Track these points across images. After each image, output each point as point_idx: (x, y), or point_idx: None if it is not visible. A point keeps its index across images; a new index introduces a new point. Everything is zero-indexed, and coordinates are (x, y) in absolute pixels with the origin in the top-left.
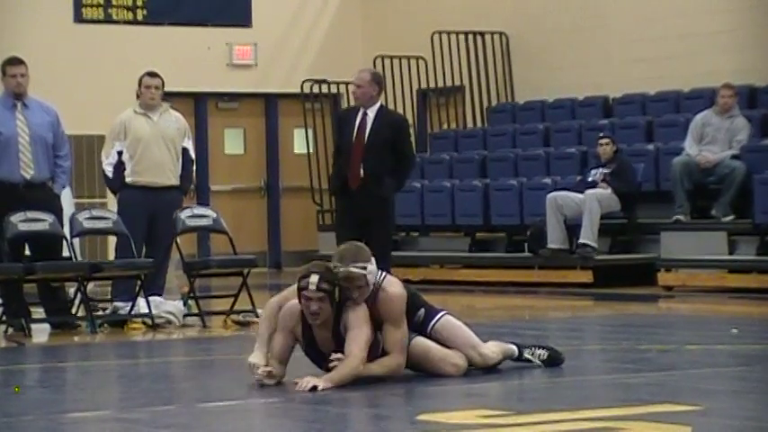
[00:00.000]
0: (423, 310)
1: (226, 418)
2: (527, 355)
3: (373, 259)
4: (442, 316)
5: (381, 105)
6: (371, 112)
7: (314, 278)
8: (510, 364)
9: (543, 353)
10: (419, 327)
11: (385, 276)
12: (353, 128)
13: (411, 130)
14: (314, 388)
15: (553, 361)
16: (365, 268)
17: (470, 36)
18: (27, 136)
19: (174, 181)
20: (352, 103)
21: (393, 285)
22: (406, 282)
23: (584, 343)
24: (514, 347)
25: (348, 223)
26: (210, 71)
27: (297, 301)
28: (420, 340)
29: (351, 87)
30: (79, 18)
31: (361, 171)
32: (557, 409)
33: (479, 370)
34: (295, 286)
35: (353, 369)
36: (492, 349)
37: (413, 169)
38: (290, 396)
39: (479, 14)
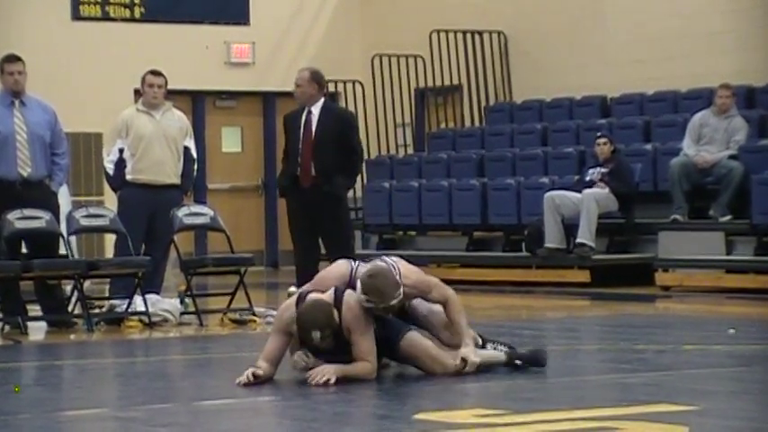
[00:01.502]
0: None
1: (223, 417)
2: (496, 347)
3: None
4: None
5: (325, 102)
6: (315, 110)
7: (316, 335)
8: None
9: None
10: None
11: (397, 264)
12: (300, 127)
13: (358, 124)
14: (326, 382)
15: (535, 361)
16: (400, 295)
17: (469, 35)
18: (24, 134)
19: (175, 180)
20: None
21: (411, 272)
22: None
23: (582, 343)
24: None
25: (302, 223)
26: (208, 69)
27: (293, 304)
28: (414, 335)
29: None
30: (77, 15)
31: (312, 169)
32: (553, 409)
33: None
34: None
35: (365, 373)
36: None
37: (362, 163)
38: (287, 395)
39: (478, 13)
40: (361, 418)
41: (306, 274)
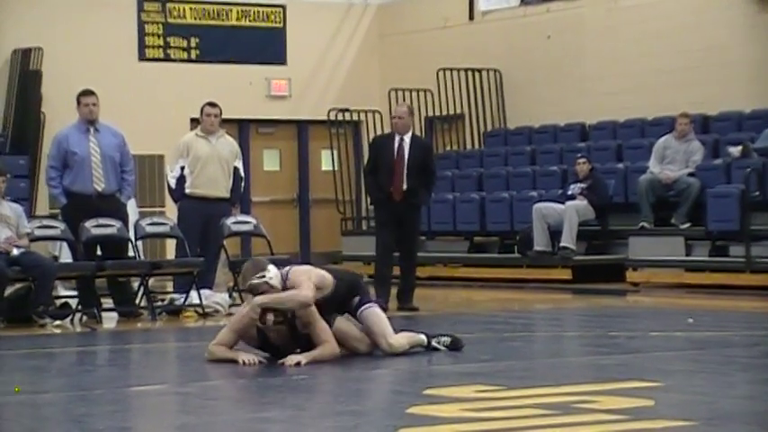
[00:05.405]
0: (358, 298)
1: (264, 392)
2: (434, 343)
3: (271, 266)
4: (369, 306)
5: (413, 132)
6: (407, 138)
7: (270, 316)
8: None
9: (446, 339)
10: (353, 309)
11: (289, 270)
12: (393, 151)
13: None
14: (298, 363)
15: (455, 346)
16: (263, 276)
17: (469, 72)
18: (98, 155)
19: (226, 194)
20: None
21: (297, 275)
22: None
23: (564, 330)
24: (424, 337)
25: (390, 227)
26: (252, 102)
27: (252, 312)
28: (342, 321)
29: (393, 119)
30: (143, 57)
31: (404, 186)
32: (541, 385)
33: (424, 351)
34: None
35: (331, 353)
36: (400, 341)
37: (436, 181)
38: (316, 374)
39: (477, 54)
40: (379, 393)
41: (384, 270)
